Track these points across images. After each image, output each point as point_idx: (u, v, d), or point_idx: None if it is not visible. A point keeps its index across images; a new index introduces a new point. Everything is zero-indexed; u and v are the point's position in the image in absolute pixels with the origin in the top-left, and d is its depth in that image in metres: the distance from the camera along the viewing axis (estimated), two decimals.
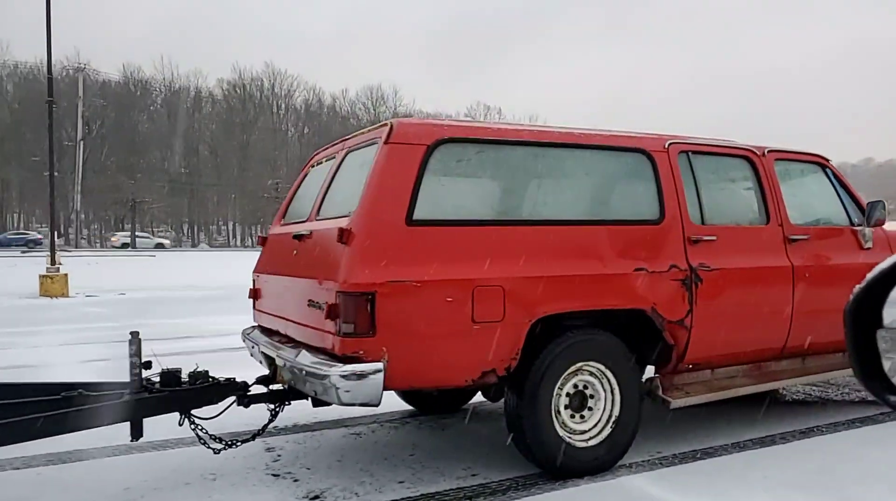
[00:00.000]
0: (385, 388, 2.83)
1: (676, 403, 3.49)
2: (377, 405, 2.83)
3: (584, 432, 3.34)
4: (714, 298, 3.61)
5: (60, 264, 16.26)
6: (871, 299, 0.87)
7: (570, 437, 3.29)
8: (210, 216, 71.20)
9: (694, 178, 3.76)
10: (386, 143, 3.02)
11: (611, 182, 3.64)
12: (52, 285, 15.26)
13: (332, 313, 2.83)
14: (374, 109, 73.73)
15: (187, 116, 65.71)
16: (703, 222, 3.70)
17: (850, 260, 4.17)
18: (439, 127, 3.15)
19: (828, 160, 4.40)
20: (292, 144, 72.96)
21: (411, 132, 3.07)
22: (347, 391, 2.73)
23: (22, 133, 56.91)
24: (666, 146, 3.69)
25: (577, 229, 3.32)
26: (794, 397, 5.09)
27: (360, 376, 2.74)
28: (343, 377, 2.73)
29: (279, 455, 3.71)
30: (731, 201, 4.09)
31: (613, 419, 3.39)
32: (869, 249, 4.27)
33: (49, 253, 16.59)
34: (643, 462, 3.54)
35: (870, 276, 0.86)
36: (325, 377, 2.75)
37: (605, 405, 3.40)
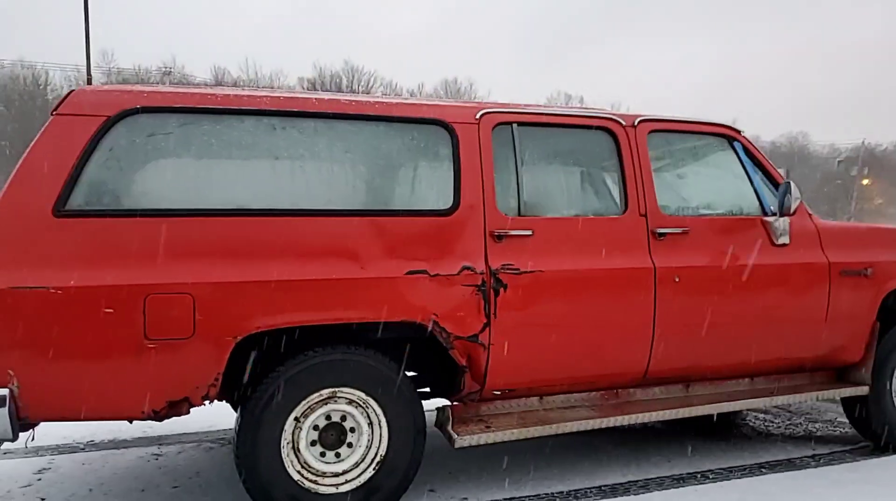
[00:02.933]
0: (23, 421, 2.31)
1: (462, 441, 2.75)
2: (13, 440, 2.30)
3: (337, 475, 2.68)
4: (523, 308, 2.83)
5: None
6: None
7: (313, 481, 2.64)
8: None
9: (516, 157, 2.97)
10: (52, 113, 2.47)
11: (386, 162, 2.91)
12: None
13: None
14: None
15: None
16: (519, 213, 2.92)
17: (752, 260, 3.24)
18: (132, 94, 2.55)
19: (738, 132, 3.45)
20: None
21: (89, 101, 2.49)
22: None
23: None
24: (477, 117, 2.93)
25: (322, 221, 2.64)
26: (733, 425, 4.15)
27: None
28: None
29: (39, 479, 3.27)
30: (571, 185, 3.26)
31: (378, 459, 2.71)
32: (784, 245, 3.31)
33: None
34: None
35: None
36: None
37: (372, 441, 2.72)
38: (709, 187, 3.50)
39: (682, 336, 3.11)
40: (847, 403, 3.69)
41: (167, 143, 2.55)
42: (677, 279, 3.07)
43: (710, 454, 3.58)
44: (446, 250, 2.77)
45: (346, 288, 2.59)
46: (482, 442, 2.78)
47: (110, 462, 3.53)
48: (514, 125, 3.01)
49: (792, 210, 3.22)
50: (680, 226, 3.14)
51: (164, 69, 54.08)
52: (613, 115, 3.20)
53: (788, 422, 4.22)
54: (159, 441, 3.89)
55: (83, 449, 3.76)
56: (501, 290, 2.80)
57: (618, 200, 3.13)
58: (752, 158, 3.44)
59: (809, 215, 3.47)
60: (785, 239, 3.31)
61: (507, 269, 2.81)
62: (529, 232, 2.89)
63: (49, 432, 3.87)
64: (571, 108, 3.25)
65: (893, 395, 3.60)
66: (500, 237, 2.84)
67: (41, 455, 3.63)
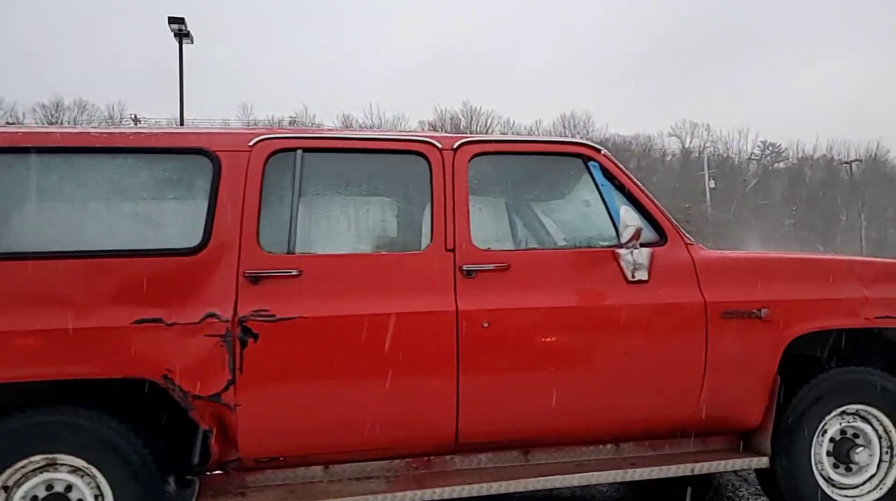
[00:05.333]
0: None
1: None
2: None
3: None
4: (280, 361, 2.43)
5: None
6: None
7: None
8: None
9: (294, 187, 2.61)
10: None
11: (124, 198, 2.60)
12: None
13: None
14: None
15: None
16: (290, 250, 2.54)
17: (591, 301, 2.68)
18: None
19: (597, 151, 2.92)
20: None
21: None
22: None
23: None
24: (250, 145, 2.61)
25: (27, 265, 2.34)
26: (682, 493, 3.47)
27: None
28: None
29: None
30: (368, 217, 2.83)
31: None
32: (641, 282, 2.73)
33: None
34: None
35: None
36: None
37: None
38: (554, 216, 2.99)
39: (502, 393, 2.59)
40: (763, 477, 2.97)
41: None
42: (486, 325, 2.56)
43: None
44: (191, 295, 2.43)
45: (50, 341, 2.29)
46: None
47: None
48: (299, 152, 2.66)
49: (624, 241, 2.66)
50: (495, 262, 2.64)
51: (292, 118, 56.51)
52: (427, 137, 2.79)
53: (751, 491, 3.47)
54: None
55: None
56: (251, 340, 2.41)
57: (420, 232, 2.69)
58: (614, 180, 2.90)
59: (687, 244, 2.87)
60: (642, 274, 2.72)
61: (260, 315, 2.42)
62: (296, 272, 2.50)
63: None
64: (380, 132, 2.88)
65: (817, 467, 2.86)
66: (256, 279, 2.47)
67: None
